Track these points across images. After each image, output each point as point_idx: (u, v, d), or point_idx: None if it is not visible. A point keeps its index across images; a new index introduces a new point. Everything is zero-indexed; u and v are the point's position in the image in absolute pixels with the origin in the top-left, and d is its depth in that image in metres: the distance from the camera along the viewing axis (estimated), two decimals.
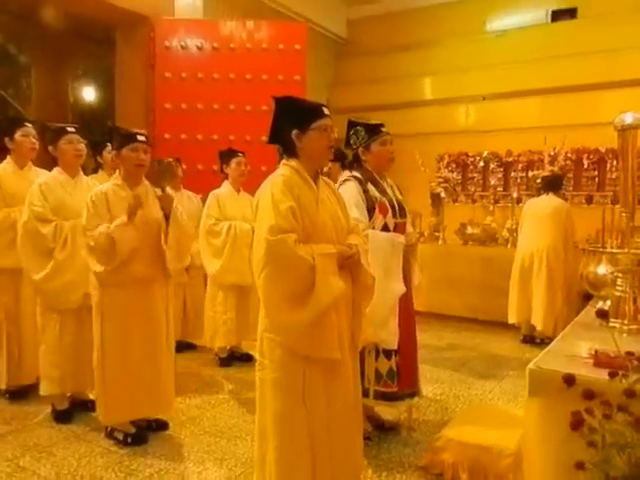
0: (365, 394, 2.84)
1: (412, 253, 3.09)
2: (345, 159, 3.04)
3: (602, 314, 1.85)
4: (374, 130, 2.96)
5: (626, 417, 1.13)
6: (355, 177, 2.90)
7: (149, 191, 2.99)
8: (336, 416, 2.04)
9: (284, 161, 2.15)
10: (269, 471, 2.03)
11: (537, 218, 5.03)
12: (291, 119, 2.09)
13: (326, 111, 2.12)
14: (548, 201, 5.06)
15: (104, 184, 2.96)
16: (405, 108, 7.32)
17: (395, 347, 2.84)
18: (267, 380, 2.04)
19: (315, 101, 2.21)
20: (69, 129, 3.25)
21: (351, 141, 3.00)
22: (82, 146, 3.26)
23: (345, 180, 2.92)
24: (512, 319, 5.14)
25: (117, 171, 2.98)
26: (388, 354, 2.87)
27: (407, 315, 2.96)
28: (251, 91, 5.76)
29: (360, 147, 2.96)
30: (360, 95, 7.72)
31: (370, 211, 2.82)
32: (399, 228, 2.93)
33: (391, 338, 2.80)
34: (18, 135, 3.46)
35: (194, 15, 6.06)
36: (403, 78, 7.53)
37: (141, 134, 2.94)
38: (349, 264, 2.08)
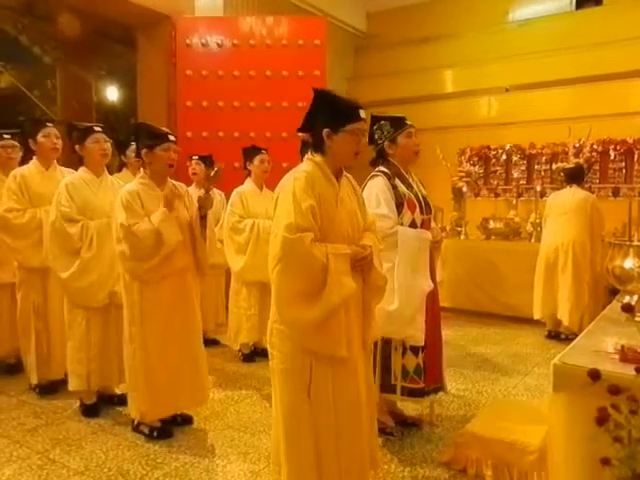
0: (392, 390, 2.86)
1: (437, 249, 3.07)
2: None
3: (628, 308, 1.81)
4: (399, 123, 2.94)
5: None
6: (383, 172, 2.88)
7: (174, 190, 3.02)
8: (343, 412, 2.04)
9: (308, 156, 2.14)
10: (280, 460, 2.07)
11: (562, 212, 4.95)
12: (325, 116, 2.07)
13: (362, 114, 2.08)
14: (572, 194, 4.97)
15: (131, 183, 2.98)
16: (426, 101, 7.25)
17: (422, 343, 2.83)
18: (276, 370, 2.08)
19: (354, 100, 2.14)
20: (95, 128, 3.29)
21: (375, 136, 2.96)
22: (108, 145, 3.30)
23: (373, 175, 2.90)
24: (537, 314, 5.07)
25: (142, 170, 3.01)
26: (415, 350, 2.85)
27: (433, 311, 2.95)
28: (271, 87, 5.79)
29: (386, 141, 2.94)
30: (380, 89, 7.67)
31: (398, 207, 2.81)
32: (425, 224, 2.92)
33: (419, 334, 2.79)
34: (40, 136, 3.52)
35: (214, 12, 6.10)
36: (423, 71, 7.46)
37: (170, 133, 2.98)
38: (362, 265, 2.07)
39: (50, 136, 3.54)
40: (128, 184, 2.97)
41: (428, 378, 2.91)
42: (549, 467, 1.69)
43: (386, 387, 2.88)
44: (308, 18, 6.61)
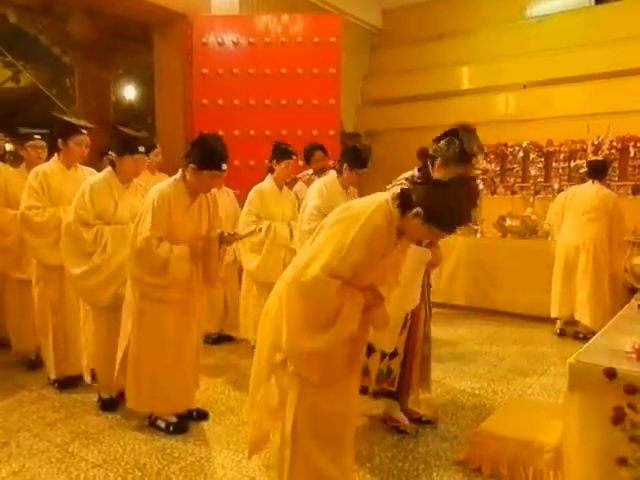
0: (363, 392, 2.87)
1: (433, 267, 3.01)
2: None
3: None
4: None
5: None
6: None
7: (203, 203, 3.01)
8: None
9: (388, 206, 1.97)
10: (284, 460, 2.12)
11: (582, 208, 4.83)
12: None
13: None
14: (594, 190, 4.84)
15: (165, 184, 2.92)
16: (442, 98, 7.21)
17: (392, 350, 2.86)
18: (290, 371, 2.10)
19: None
20: (139, 148, 3.18)
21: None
22: (143, 157, 3.23)
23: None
24: (554, 313, 5.01)
25: (180, 172, 2.92)
26: (385, 355, 2.91)
27: (416, 324, 2.97)
28: (286, 85, 5.80)
29: None
30: (395, 86, 7.65)
31: None
32: (432, 242, 2.89)
33: (390, 342, 2.82)
34: (72, 142, 3.51)
35: (230, 11, 6.14)
36: (440, 67, 7.42)
37: (224, 161, 2.87)
38: (375, 302, 2.08)
39: (81, 145, 3.54)
40: (163, 184, 2.92)
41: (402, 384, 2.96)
42: (564, 466, 1.68)
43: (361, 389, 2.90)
44: (323, 15, 6.61)
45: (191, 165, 2.82)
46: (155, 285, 2.87)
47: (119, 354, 3.03)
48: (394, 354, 2.90)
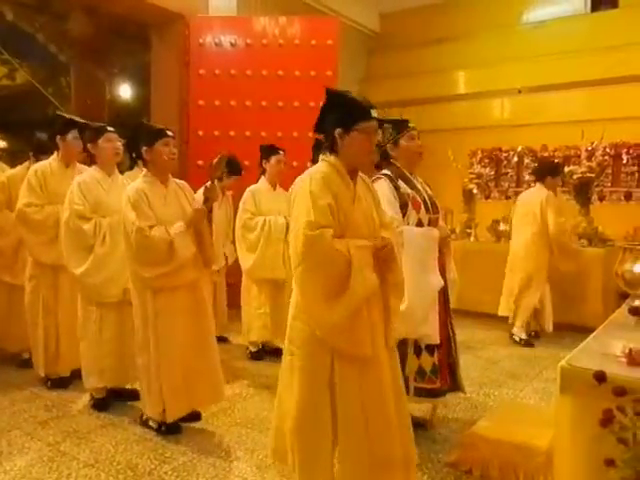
0: (406, 391, 2.85)
1: (446, 246, 3.07)
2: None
3: (635, 311, 1.82)
4: (401, 126, 2.96)
5: None
6: (386, 175, 2.90)
7: (177, 188, 3.06)
8: (372, 409, 2.05)
9: (323, 156, 2.16)
10: (290, 451, 2.10)
11: (519, 213, 5.01)
12: (337, 116, 2.09)
13: (374, 113, 2.10)
14: (530, 193, 4.99)
15: (136, 181, 2.99)
16: (438, 103, 7.25)
17: (438, 341, 2.84)
18: (295, 367, 2.10)
19: (365, 100, 2.16)
20: (108, 128, 3.35)
21: (379, 139, 2.99)
22: (120, 144, 3.34)
23: (376, 178, 2.92)
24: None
25: (144, 169, 3.01)
26: (431, 350, 2.87)
27: (444, 308, 2.96)
28: (283, 87, 5.81)
29: (389, 144, 2.96)
30: (392, 90, 7.68)
31: (402, 208, 2.82)
32: (432, 224, 2.94)
33: (433, 333, 2.80)
34: (70, 137, 3.56)
35: (228, 12, 6.14)
36: (436, 72, 7.46)
37: (168, 129, 3.03)
38: (384, 254, 2.08)
39: (75, 142, 3.57)
40: (133, 183, 3.00)
41: (442, 377, 2.92)
42: (555, 468, 1.70)
43: None
44: (321, 18, 6.64)
45: (144, 150, 2.94)
46: (166, 274, 2.83)
47: (139, 361, 2.97)
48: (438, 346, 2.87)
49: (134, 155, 3.05)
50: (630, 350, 1.65)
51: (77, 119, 3.65)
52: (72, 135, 3.56)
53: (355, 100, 2.13)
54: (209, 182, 3.04)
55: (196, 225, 2.96)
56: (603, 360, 1.67)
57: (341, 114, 2.08)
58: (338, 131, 2.07)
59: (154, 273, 2.83)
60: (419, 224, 2.85)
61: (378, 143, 2.99)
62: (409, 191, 2.87)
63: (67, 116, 3.75)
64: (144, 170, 3.01)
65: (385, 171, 2.94)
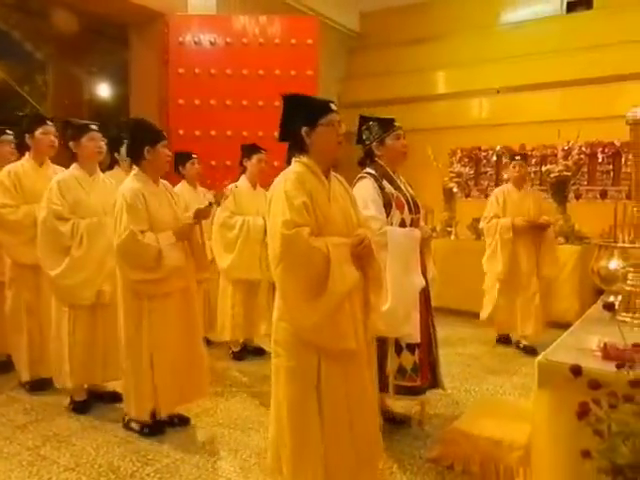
0: (383, 389, 2.87)
1: (427, 246, 3.11)
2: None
3: (609, 307, 1.87)
4: (388, 125, 2.98)
5: (632, 407, 1.15)
6: (370, 174, 2.92)
7: (165, 191, 3.06)
8: (356, 405, 2.07)
9: (295, 158, 2.18)
10: (284, 456, 2.09)
11: None
12: (300, 116, 2.14)
13: (333, 106, 2.17)
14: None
15: (129, 181, 2.95)
16: (417, 102, 7.30)
17: (419, 340, 2.87)
18: (282, 368, 2.10)
19: (322, 97, 2.24)
20: (92, 126, 3.29)
21: (364, 137, 3.01)
22: (103, 144, 3.31)
23: (360, 177, 2.94)
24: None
25: (135, 167, 2.99)
26: (412, 348, 2.90)
27: (425, 308, 3.00)
28: (264, 86, 5.80)
29: (374, 142, 2.98)
30: (372, 89, 7.71)
31: (386, 207, 2.84)
32: (414, 223, 2.96)
33: (414, 332, 2.82)
34: (38, 132, 3.52)
35: (207, 11, 6.11)
36: (416, 72, 7.51)
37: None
38: (363, 251, 2.09)
39: (49, 134, 3.54)
40: (127, 182, 2.95)
41: (423, 376, 2.95)
42: (533, 461, 1.73)
43: (380, 386, 2.90)
44: (301, 18, 6.64)
45: (146, 148, 2.92)
46: (152, 281, 2.83)
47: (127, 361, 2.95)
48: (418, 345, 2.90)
49: (132, 154, 3.01)
50: (605, 344, 1.70)
51: (45, 116, 3.63)
52: (40, 131, 3.51)
53: (313, 98, 2.23)
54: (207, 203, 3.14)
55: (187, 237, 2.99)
56: (579, 354, 1.71)
57: (304, 113, 2.14)
58: (305, 129, 2.11)
59: (139, 277, 2.83)
60: (402, 224, 2.87)
61: (363, 141, 3.01)
62: (393, 191, 2.89)
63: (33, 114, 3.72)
64: (136, 169, 2.97)
65: (369, 170, 2.95)
